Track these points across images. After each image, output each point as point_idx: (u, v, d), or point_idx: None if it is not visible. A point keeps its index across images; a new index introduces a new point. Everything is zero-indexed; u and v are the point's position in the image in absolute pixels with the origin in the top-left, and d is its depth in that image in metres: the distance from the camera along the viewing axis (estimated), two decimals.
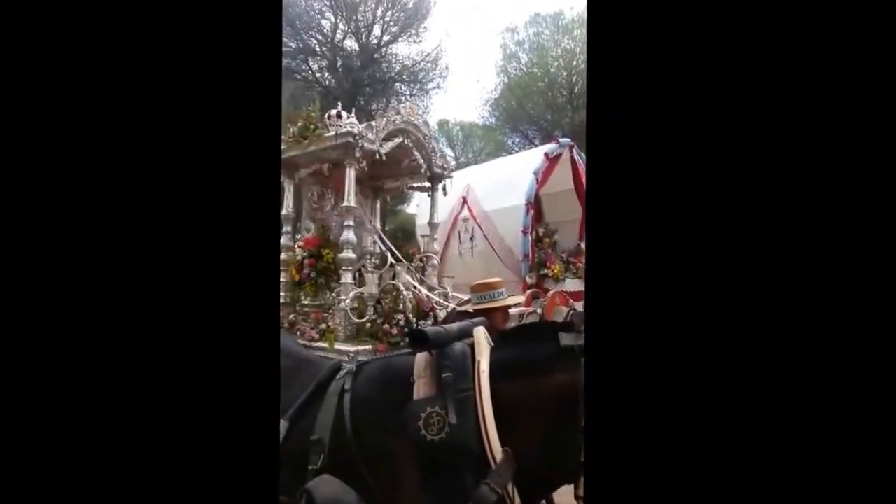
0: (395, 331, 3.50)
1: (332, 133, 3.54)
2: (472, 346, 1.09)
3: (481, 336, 1.11)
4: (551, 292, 2.22)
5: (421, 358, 1.10)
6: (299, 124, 3.75)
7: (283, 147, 3.87)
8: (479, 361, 1.04)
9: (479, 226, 5.26)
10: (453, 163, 4.57)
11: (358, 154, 3.49)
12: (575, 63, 13.18)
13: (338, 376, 1.24)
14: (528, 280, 4.69)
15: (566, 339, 1.03)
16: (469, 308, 2.13)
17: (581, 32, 13.13)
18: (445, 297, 3.79)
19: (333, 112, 3.90)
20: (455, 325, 1.15)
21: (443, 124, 16.06)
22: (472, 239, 5.38)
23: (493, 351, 1.08)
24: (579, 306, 2.34)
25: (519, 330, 1.54)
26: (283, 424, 1.15)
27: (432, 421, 0.97)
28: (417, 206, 7.03)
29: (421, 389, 1.05)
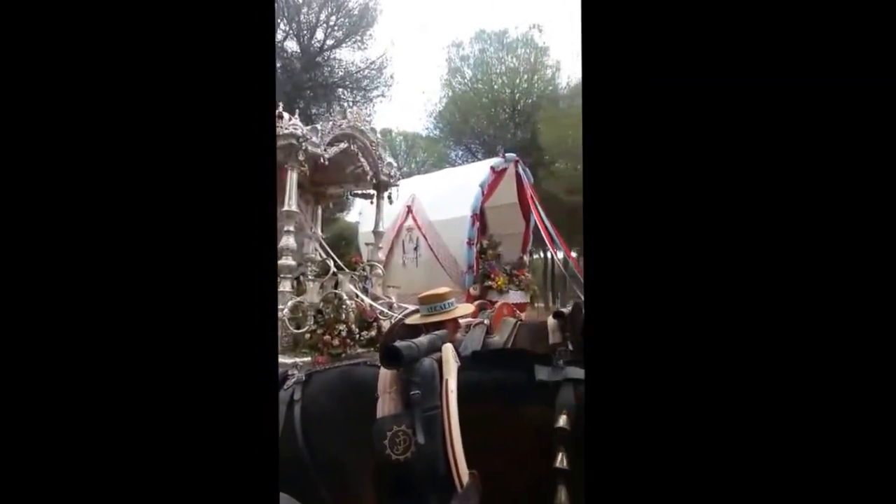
0: (336, 342, 3.36)
1: None
2: (439, 363, 1.06)
3: (449, 354, 1.08)
4: (499, 303, 2.21)
5: (386, 372, 1.05)
6: None
7: None
8: (447, 380, 1.01)
9: (424, 235, 5.23)
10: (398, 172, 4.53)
11: (301, 157, 3.36)
12: (518, 81, 13.64)
13: (285, 386, 1.17)
14: (472, 291, 4.71)
15: (541, 374, 0.99)
16: (415, 320, 2.08)
17: (524, 51, 13.66)
18: (390, 307, 3.71)
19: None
20: (424, 340, 1.11)
21: (385, 133, 15.98)
22: (416, 248, 5.32)
23: (460, 370, 1.05)
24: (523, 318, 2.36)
25: (493, 353, 1.48)
26: None
27: (398, 440, 0.93)
28: (360, 213, 6.87)
29: (386, 406, 1.00)
